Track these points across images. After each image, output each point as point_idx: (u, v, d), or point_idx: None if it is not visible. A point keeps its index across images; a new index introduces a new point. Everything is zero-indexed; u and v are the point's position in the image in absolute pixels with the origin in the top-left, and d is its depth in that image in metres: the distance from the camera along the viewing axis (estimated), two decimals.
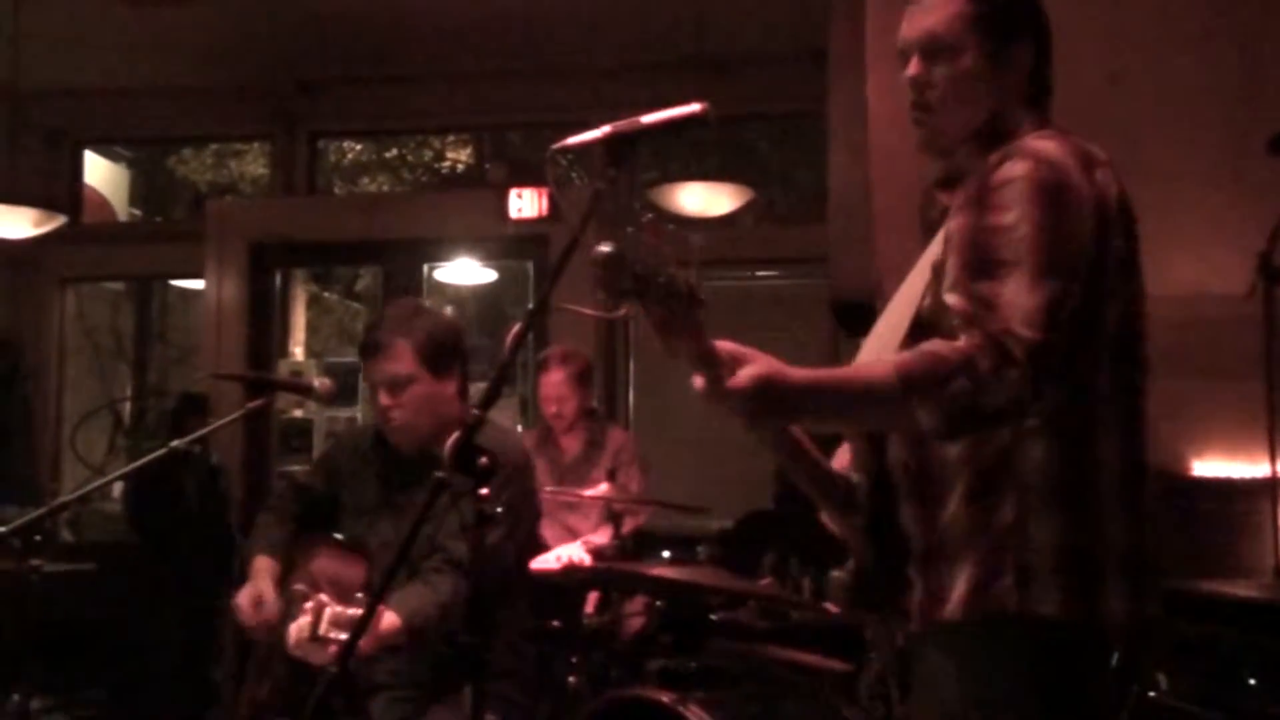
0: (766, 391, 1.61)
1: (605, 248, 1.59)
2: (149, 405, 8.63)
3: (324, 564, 2.71)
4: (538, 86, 7.37)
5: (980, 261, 1.69)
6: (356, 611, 2.52)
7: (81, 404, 8.39)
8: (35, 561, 2.39)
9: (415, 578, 2.73)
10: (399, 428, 2.86)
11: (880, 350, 1.84)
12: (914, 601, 1.85)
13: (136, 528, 6.46)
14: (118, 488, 8.72)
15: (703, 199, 6.60)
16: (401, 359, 2.85)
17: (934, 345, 1.65)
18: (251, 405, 2.79)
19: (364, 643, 2.51)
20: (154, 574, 6.39)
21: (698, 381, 1.66)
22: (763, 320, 7.01)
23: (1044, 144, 1.79)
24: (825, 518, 1.98)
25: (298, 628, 2.60)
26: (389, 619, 2.62)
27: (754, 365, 1.63)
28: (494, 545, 2.62)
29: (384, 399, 2.86)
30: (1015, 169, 1.74)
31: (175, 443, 2.69)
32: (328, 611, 2.54)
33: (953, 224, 1.78)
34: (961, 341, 1.63)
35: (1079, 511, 1.76)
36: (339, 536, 2.90)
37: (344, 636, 2.47)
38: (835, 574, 1.95)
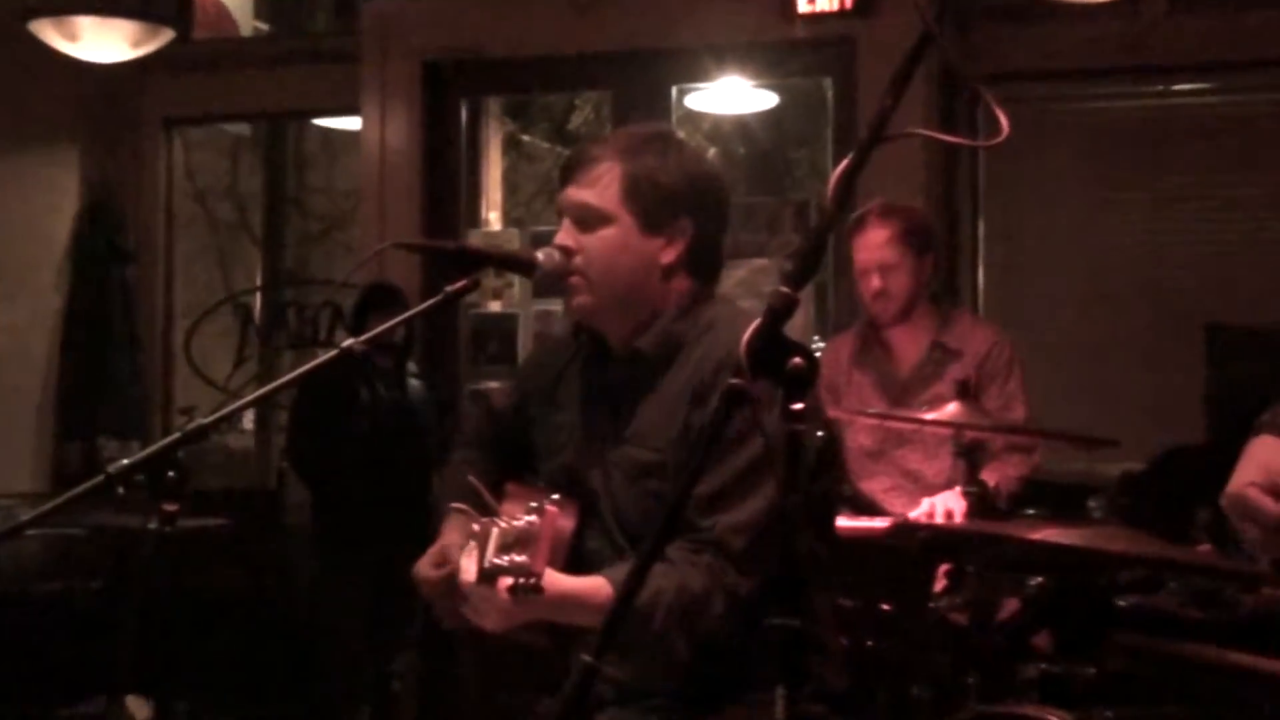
0: None
1: None
2: (286, 299, 8.84)
3: (513, 508, 2.74)
4: None
5: None
6: (531, 519, 2.53)
7: (196, 297, 8.76)
8: (170, 507, 2.46)
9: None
10: (575, 282, 2.87)
11: None
12: None
13: (298, 465, 6.77)
14: (250, 417, 9.17)
15: None
16: (602, 186, 2.85)
17: None
18: (452, 288, 2.78)
19: (549, 595, 2.55)
20: (318, 532, 6.66)
21: None
22: (1187, 157, 6.78)
23: None
24: None
25: (465, 569, 2.69)
26: (596, 582, 2.66)
27: None
28: (823, 487, 2.64)
29: (564, 235, 2.88)
30: None
31: (349, 342, 2.72)
32: (495, 532, 2.57)
33: None
34: None
35: None
36: (542, 483, 2.95)
37: (521, 559, 2.51)
38: None
